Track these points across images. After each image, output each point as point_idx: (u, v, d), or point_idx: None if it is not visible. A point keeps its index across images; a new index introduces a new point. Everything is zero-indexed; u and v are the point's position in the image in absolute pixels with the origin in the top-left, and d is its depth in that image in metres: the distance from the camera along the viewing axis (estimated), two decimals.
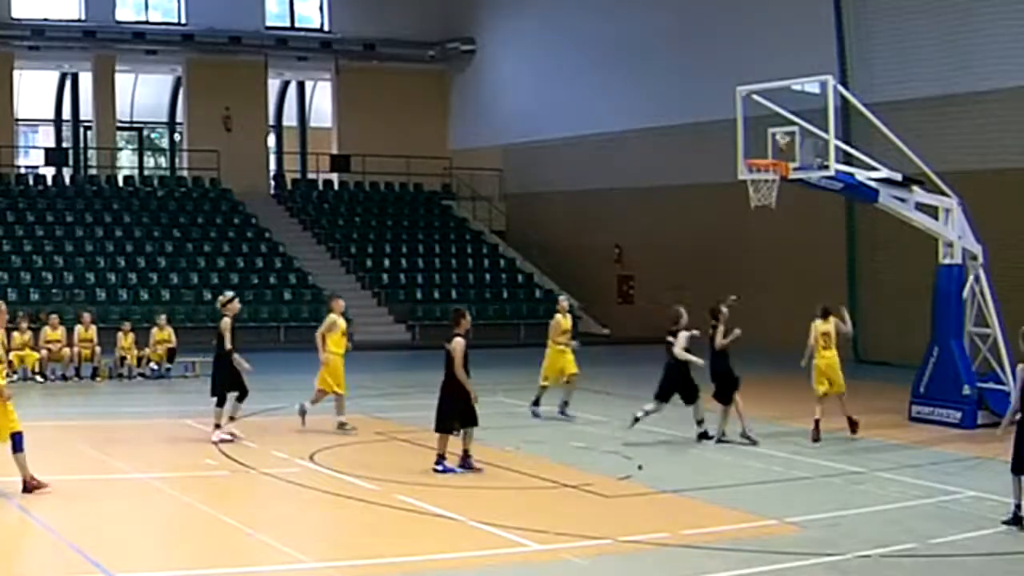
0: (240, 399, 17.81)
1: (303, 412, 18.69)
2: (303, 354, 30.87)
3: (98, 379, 25.65)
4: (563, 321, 20.75)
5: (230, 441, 17.36)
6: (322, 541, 12.38)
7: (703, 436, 17.89)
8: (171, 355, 26.34)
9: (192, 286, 35.90)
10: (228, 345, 17.61)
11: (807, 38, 31.02)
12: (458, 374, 15.19)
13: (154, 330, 26.45)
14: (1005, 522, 12.38)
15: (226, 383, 17.65)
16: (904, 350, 26.04)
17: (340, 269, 39.20)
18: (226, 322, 17.73)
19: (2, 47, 39.46)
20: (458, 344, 15.22)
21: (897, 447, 18.00)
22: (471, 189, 43.70)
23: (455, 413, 15.27)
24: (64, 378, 25.30)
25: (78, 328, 25.85)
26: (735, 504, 13.73)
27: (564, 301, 21.56)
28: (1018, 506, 12.29)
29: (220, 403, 17.66)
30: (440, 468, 15.26)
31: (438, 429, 15.37)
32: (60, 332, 25.61)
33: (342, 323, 18.82)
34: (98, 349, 25.75)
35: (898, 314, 28.22)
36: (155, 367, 26.07)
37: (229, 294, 18.68)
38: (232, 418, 17.77)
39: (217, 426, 17.55)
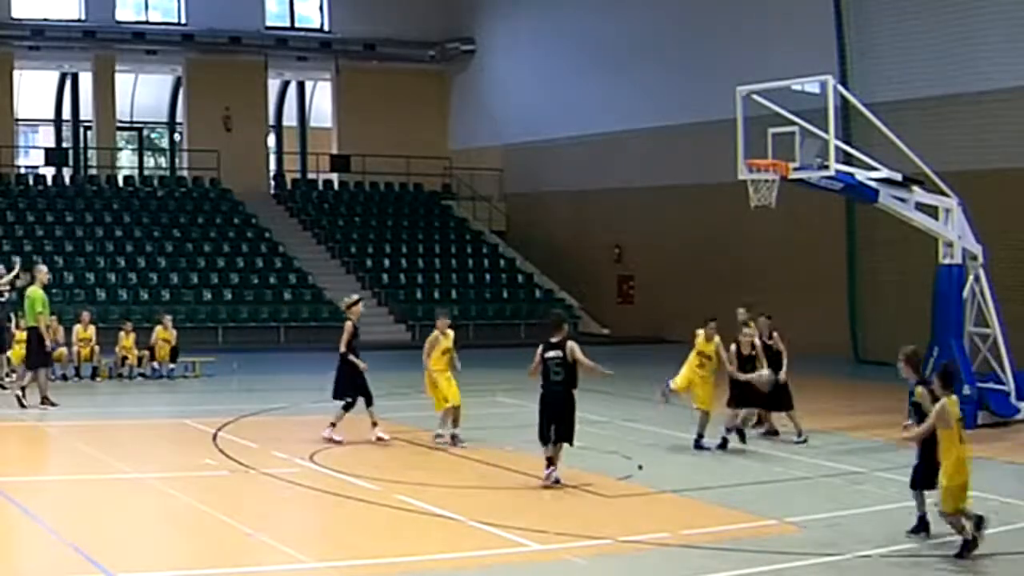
0: (368, 404, 17.59)
1: (454, 438, 17.63)
2: (303, 354, 31.04)
3: (98, 379, 25.62)
4: (700, 343, 17.59)
5: (339, 443, 17.21)
6: (322, 541, 12.39)
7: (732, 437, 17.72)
8: (174, 354, 26.33)
9: (192, 286, 35.90)
10: (342, 348, 17.46)
11: (807, 38, 31.01)
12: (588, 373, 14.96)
13: (158, 328, 26.41)
14: (910, 531, 12.20)
15: (349, 386, 17.50)
16: None
17: (340, 269, 39.18)
18: (348, 325, 17.59)
19: (2, 47, 39.43)
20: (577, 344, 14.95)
21: (897, 447, 17.95)
22: (471, 189, 43.68)
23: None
24: (64, 378, 25.26)
25: (76, 327, 25.81)
26: (735, 504, 13.74)
27: (713, 329, 17.44)
28: (922, 516, 12.16)
29: (346, 408, 17.50)
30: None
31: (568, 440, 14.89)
32: (59, 332, 25.51)
33: (445, 341, 17.84)
34: (97, 348, 25.72)
35: (898, 314, 28.21)
36: (156, 367, 26.06)
37: (354, 296, 18.52)
38: (333, 424, 17.50)
39: (333, 424, 17.42)
